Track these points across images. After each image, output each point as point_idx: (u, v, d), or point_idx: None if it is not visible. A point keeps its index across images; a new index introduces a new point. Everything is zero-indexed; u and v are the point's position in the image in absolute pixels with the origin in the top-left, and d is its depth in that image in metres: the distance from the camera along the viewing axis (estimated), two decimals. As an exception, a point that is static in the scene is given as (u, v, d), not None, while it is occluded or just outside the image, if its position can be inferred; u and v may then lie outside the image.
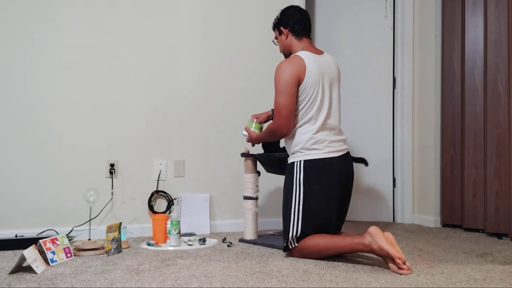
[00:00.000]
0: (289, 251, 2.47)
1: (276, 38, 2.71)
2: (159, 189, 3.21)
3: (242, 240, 2.94)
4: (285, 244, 2.45)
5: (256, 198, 2.96)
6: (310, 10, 3.93)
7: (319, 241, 2.36)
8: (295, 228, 2.39)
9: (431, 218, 3.57)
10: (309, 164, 2.42)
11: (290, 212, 2.42)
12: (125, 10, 3.19)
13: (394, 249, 2.11)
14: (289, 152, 2.58)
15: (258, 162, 2.98)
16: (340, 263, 2.30)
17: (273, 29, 2.72)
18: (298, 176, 2.43)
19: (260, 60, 3.44)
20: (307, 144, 2.44)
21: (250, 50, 3.43)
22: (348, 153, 2.56)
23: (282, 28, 2.62)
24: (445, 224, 3.51)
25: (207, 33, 3.36)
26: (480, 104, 3.25)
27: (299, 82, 2.43)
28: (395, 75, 3.86)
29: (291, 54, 2.61)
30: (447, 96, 3.51)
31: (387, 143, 3.87)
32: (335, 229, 2.51)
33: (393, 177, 3.86)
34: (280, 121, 2.45)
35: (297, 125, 2.49)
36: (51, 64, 3.06)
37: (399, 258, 2.09)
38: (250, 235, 2.94)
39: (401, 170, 3.80)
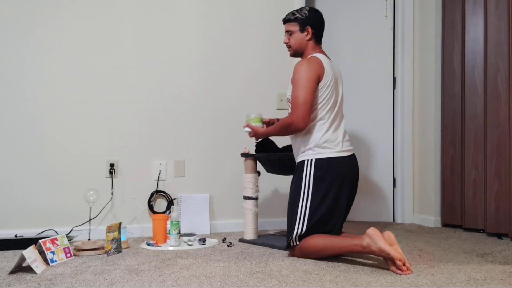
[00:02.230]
0: (290, 250, 2.48)
1: (290, 31, 2.60)
2: (159, 189, 3.21)
3: (242, 240, 2.94)
4: (287, 242, 2.46)
5: (256, 198, 2.95)
6: (310, 10, 3.93)
7: (318, 241, 2.37)
8: (300, 226, 2.40)
9: (431, 218, 3.57)
10: (320, 163, 2.44)
11: (297, 209, 2.43)
12: (126, 10, 3.19)
13: (394, 250, 2.11)
14: (297, 151, 2.58)
15: (258, 162, 2.98)
16: (340, 263, 2.30)
17: (289, 21, 2.59)
18: (309, 174, 2.44)
19: (261, 61, 3.44)
20: (320, 142, 2.46)
21: (250, 51, 3.43)
22: (354, 154, 2.58)
23: (309, 27, 2.57)
24: (445, 224, 3.51)
25: (207, 34, 3.35)
26: (480, 104, 3.25)
27: (318, 81, 2.46)
28: (395, 75, 3.86)
29: (302, 53, 2.61)
30: (447, 96, 3.51)
31: (387, 143, 3.87)
32: (338, 229, 2.52)
33: (393, 177, 3.85)
34: (298, 114, 2.41)
35: (311, 124, 2.49)
36: (51, 65, 3.05)
37: (400, 260, 2.09)
38: (250, 235, 2.94)
39: (401, 170, 3.79)
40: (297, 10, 2.60)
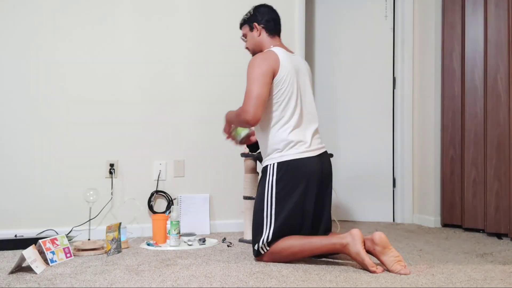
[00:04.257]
0: (260, 257, 2.36)
1: (244, 35, 2.64)
2: (159, 189, 3.21)
3: (242, 240, 2.94)
4: (256, 249, 2.34)
5: (256, 198, 2.95)
6: (310, 10, 3.93)
7: (294, 243, 2.28)
8: (267, 232, 2.30)
9: (431, 218, 3.57)
10: (283, 166, 2.33)
11: (262, 216, 2.34)
12: (125, 10, 3.19)
13: (369, 258, 2.11)
14: (263, 154, 2.47)
15: (258, 162, 2.98)
16: (340, 263, 2.30)
17: (241, 26, 2.64)
18: (271, 179, 2.34)
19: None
20: (282, 145, 2.35)
21: (250, 50, 3.43)
22: (325, 152, 2.48)
23: (255, 24, 2.55)
24: (445, 224, 3.51)
25: (207, 34, 3.35)
26: (480, 104, 3.25)
27: (273, 75, 2.36)
28: (395, 75, 3.86)
29: (260, 51, 2.53)
30: (447, 96, 3.51)
31: (387, 143, 3.87)
32: (309, 231, 2.39)
33: (393, 177, 3.85)
34: (248, 107, 2.30)
35: (272, 124, 2.39)
36: (52, 66, 3.06)
37: (372, 266, 2.09)
38: (250, 235, 2.92)
39: (401, 170, 3.79)
40: (246, 14, 2.63)
